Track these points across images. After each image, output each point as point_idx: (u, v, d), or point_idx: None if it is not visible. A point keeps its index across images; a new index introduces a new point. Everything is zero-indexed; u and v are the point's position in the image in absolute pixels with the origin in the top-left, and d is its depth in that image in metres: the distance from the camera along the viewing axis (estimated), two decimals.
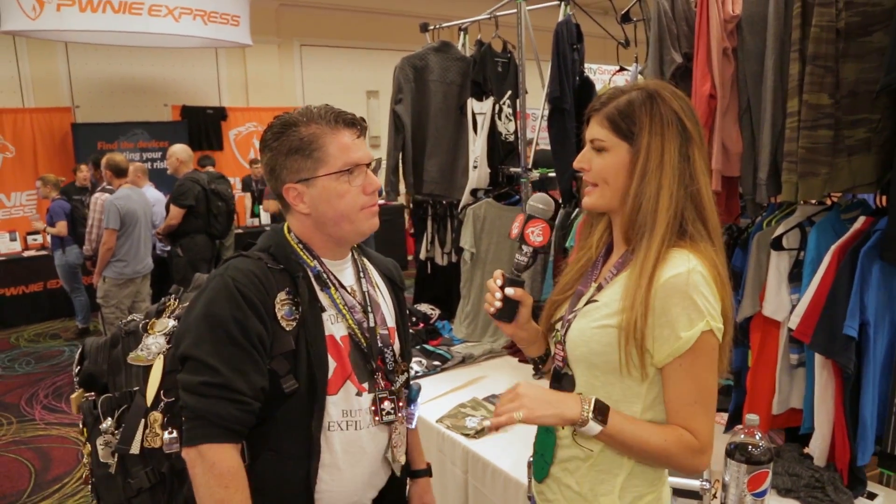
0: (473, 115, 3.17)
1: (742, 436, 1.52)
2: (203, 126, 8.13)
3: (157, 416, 1.22)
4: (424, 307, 3.38)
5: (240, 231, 6.87)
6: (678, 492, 1.54)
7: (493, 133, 3.16)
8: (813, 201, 1.91)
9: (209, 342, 1.14)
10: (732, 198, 2.11)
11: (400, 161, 3.29)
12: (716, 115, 1.97)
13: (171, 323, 1.33)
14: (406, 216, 7.93)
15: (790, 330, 1.80)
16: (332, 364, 1.25)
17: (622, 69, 3.02)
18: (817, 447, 1.77)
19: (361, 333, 1.31)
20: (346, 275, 1.35)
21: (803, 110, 1.72)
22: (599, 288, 1.17)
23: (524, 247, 1.22)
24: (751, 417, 1.53)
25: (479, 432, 2.15)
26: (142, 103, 7.94)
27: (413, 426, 1.46)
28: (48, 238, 6.35)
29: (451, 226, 3.41)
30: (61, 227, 5.85)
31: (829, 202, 1.96)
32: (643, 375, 1.10)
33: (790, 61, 1.77)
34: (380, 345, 1.33)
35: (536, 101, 3.04)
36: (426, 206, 3.53)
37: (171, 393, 1.22)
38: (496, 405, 1.11)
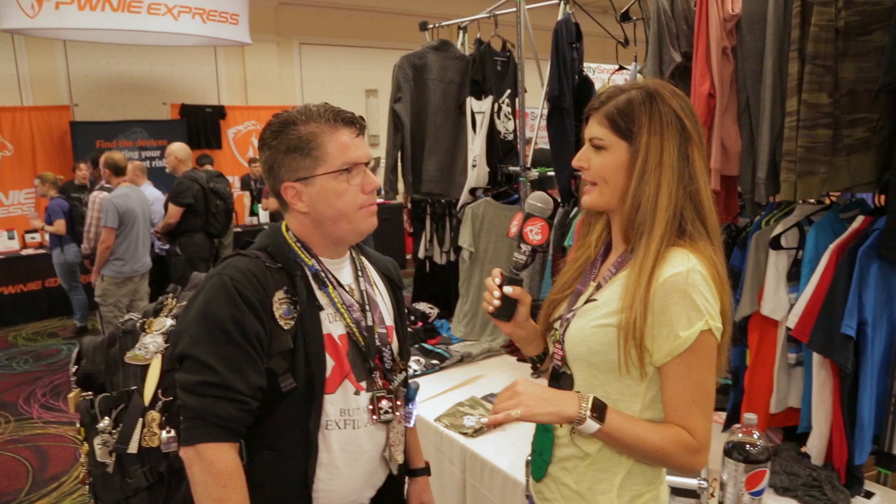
0: (472, 113, 3.17)
1: (740, 435, 1.53)
2: (202, 124, 8.11)
3: (154, 415, 1.22)
4: (423, 306, 3.38)
5: (238, 230, 6.86)
6: (676, 491, 1.54)
7: (492, 132, 3.16)
8: (812, 200, 1.91)
9: (207, 341, 1.13)
10: (731, 197, 2.11)
11: (399, 160, 3.29)
12: (715, 114, 1.97)
13: (169, 322, 1.32)
14: (405, 215, 7.92)
15: (788, 329, 1.80)
16: (329, 363, 1.24)
17: (621, 68, 3.02)
18: (815, 446, 1.77)
19: (359, 332, 1.30)
20: (345, 273, 1.35)
21: (802, 109, 1.72)
22: (598, 287, 1.17)
23: (523, 245, 1.22)
24: (749, 416, 1.53)
25: (478, 431, 2.15)
26: (140, 102, 7.92)
27: (411, 425, 1.46)
28: (46, 236, 6.34)
29: (450, 225, 3.41)
30: (59, 226, 5.85)
31: (827, 201, 1.96)
32: (642, 374, 1.10)
33: (789, 60, 1.76)
34: (378, 344, 1.33)
35: (535, 99, 3.04)
36: (425, 205, 3.53)
37: (169, 392, 1.22)
38: (494, 402, 1.11)
